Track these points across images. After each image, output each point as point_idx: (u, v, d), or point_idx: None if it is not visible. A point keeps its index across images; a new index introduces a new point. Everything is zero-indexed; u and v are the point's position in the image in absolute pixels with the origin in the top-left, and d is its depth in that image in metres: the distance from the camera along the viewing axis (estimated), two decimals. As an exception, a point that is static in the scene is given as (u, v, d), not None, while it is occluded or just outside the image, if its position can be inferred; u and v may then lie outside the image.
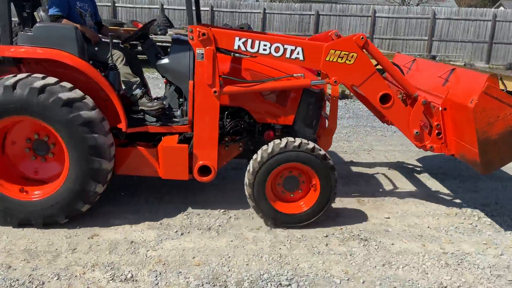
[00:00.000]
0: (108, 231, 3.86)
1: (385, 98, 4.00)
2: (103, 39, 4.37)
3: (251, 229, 4.00)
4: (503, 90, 3.85)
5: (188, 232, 3.90)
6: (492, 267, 3.52)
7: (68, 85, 3.73)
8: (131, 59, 4.45)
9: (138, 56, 4.95)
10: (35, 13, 4.43)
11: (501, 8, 27.70)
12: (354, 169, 5.70)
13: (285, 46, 3.83)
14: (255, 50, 3.85)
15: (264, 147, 3.96)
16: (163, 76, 4.40)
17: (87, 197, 3.83)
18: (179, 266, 3.40)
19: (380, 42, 19.49)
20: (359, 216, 4.33)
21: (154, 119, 4.22)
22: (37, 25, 3.99)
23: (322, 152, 3.91)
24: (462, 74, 4.22)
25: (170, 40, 4.66)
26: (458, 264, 3.55)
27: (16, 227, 3.86)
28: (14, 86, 3.59)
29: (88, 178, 3.77)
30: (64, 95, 3.63)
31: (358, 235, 3.95)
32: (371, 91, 4.00)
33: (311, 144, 3.90)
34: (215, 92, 3.84)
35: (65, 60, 3.79)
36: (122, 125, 3.99)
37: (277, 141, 3.95)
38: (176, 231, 3.90)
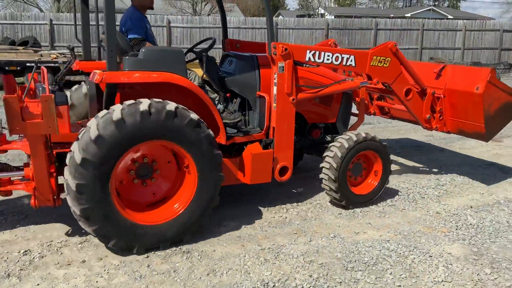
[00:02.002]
0: None
1: (407, 92, 5.09)
2: None
3: (60, 266, 3.54)
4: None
5: (-20, 286, 3.25)
6: (304, 254, 3.80)
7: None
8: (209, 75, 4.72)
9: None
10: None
11: (280, 17, 30.94)
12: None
13: (342, 55, 4.62)
14: (321, 60, 4.52)
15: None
16: (225, 91, 4.84)
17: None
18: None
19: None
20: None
21: (235, 130, 4.50)
22: (143, 50, 3.91)
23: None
24: (454, 70, 5.42)
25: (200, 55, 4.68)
26: (276, 258, 3.74)
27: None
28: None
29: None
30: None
31: (180, 248, 3.84)
32: (399, 87, 5.05)
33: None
34: (293, 99, 4.38)
35: (179, 82, 3.86)
36: (222, 139, 4.19)
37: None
38: (-37, 288, 3.21)
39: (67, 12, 20.90)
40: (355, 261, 3.72)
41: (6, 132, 3.98)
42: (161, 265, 3.59)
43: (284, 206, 4.83)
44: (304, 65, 4.69)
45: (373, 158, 4.85)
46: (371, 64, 4.78)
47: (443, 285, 3.41)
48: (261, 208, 4.76)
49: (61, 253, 3.73)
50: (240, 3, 45.26)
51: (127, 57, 3.92)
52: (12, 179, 3.95)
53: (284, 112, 4.40)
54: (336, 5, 58.86)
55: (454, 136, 7.91)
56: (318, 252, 3.86)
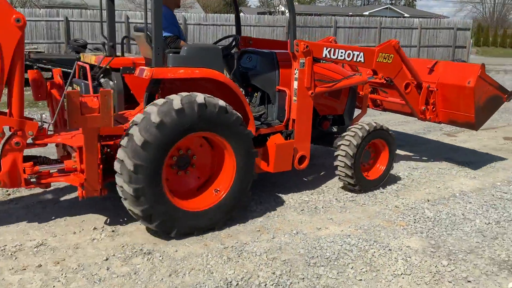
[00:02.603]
0: None
1: (407, 86, 5.56)
2: None
3: (15, 272, 3.39)
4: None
5: None
6: (267, 252, 3.80)
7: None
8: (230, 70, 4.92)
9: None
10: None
11: (241, 14, 30.86)
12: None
13: (354, 52, 5.01)
14: (335, 57, 4.90)
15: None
16: (246, 85, 5.21)
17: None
18: None
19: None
20: (140, 229, 4.14)
21: (259, 122, 4.83)
22: (185, 47, 4.17)
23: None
24: (446, 66, 5.93)
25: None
26: (239, 256, 3.72)
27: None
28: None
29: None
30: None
31: (141, 249, 3.77)
32: (400, 81, 5.49)
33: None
34: (312, 93, 4.74)
35: (219, 78, 4.17)
36: (252, 131, 4.38)
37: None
38: None
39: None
40: (317, 256, 3.75)
41: (45, 126, 4.17)
42: (121, 267, 3.50)
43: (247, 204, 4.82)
44: (321, 61, 5.12)
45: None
46: (377, 60, 5.20)
47: (403, 277, 3.49)
48: (224, 206, 4.73)
49: (16, 258, 3.58)
50: (200, 0, 44.86)
51: (170, 54, 4.12)
52: (50, 171, 4.13)
53: (304, 105, 4.77)
54: (296, 3, 59.38)
55: (411, 131, 8.11)
56: (281, 249, 3.87)
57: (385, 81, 5.47)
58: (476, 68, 5.58)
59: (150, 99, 4.14)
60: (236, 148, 4.10)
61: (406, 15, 44.64)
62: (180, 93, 3.85)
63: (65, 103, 3.58)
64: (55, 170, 4.14)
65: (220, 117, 3.90)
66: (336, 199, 5.00)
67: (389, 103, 6.46)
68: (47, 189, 4.68)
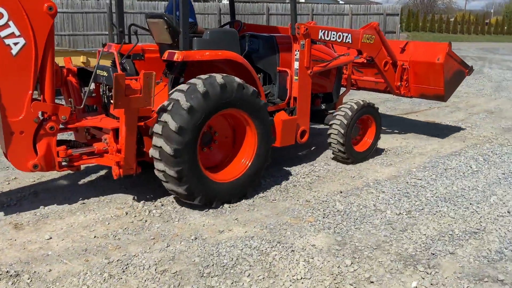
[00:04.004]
0: None
1: (385, 64, 6.15)
2: None
3: None
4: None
5: None
6: (157, 264, 3.40)
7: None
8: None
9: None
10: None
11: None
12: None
13: (343, 34, 5.48)
14: (329, 38, 5.33)
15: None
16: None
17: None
18: None
19: (60, 39, 18.22)
20: (15, 245, 3.61)
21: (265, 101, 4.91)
22: (208, 31, 4.60)
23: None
24: (416, 45, 6.53)
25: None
26: (123, 272, 3.29)
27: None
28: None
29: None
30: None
31: (7, 271, 3.25)
32: (380, 60, 6.07)
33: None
34: (310, 72, 5.16)
35: (237, 59, 4.59)
36: None
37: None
38: None
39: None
40: (213, 265, 3.40)
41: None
42: (-23, 296, 2.98)
43: (147, 207, 4.38)
44: (317, 43, 5.56)
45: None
46: (362, 41, 5.74)
47: (302, 282, 3.21)
48: (119, 212, 4.28)
49: None
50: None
51: (195, 38, 4.52)
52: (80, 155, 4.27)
53: (304, 83, 5.22)
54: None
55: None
56: (174, 259, 3.48)
57: (366, 61, 6.04)
58: (444, 46, 6.19)
59: (176, 82, 4.56)
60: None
61: (341, 2, 45.21)
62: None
63: (104, 86, 4.50)
64: (85, 153, 4.29)
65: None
66: (246, 197, 4.67)
67: (364, 82, 6.94)
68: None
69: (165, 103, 4.03)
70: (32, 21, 3.74)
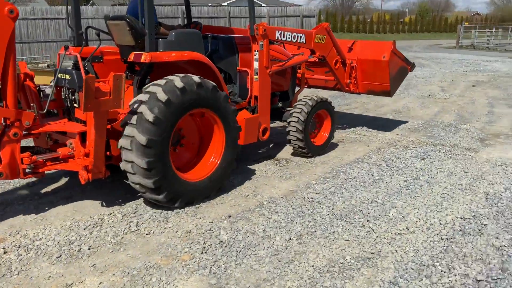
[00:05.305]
0: None
1: (336, 63, 6.39)
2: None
3: None
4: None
5: None
6: None
7: None
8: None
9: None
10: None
11: (94, 6, 28.09)
12: None
13: (298, 34, 5.75)
14: (285, 38, 5.61)
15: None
16: None
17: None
18: None
19: None
20: None
21: None
22: (173, 32, 4.70)
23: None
24: (363, 44, 6.78)
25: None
26: None
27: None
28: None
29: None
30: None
31: None
32: (331, 59, 6.29)
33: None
34: (270, 72, 5.43)
35: (203, 60, 4.75)
36: None
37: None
38: None
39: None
40: (44, 337, 2.65)
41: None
42: None
43: (-16, 257, 3.52)
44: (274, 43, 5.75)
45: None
46: (315, 41, 5.98)
47: None
48: None
49: None
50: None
51: (160, 39, 4.60)
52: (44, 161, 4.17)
53: (264, 82, 5.41)
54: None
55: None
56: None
57: (318, 60, 6.21)
58: (389, 45, 6.47)
59: (142, 83, 4.61)
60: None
61: (263, 4, 45.24)
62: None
63: (67, 90, 4.47)
64: (49, 159, 4.20)
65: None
66: (113, 232, 3.94)
67: (314, 80, 7.10)
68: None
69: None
70: None
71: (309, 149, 5.90)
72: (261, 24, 5.34)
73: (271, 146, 6.66)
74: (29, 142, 4.96)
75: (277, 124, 7.65)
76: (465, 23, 36.26)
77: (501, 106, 9.91)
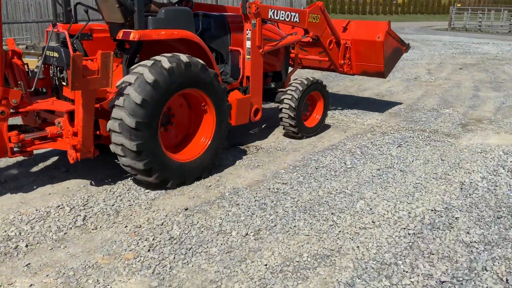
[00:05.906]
0: None
1: (330, 43, 6.30)
2: None
3: None
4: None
5: None
6: None
7: None
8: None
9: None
10: None
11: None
12: None
13: (291, 13, 5.64)
14: (278, 17, 5.47)
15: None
16: None
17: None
18: None
19: None
20: None
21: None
22: (163, 10, 4.52)
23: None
24: (357, 24, 6.64)
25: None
26: None
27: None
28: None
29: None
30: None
31: None
32: (325, 39, 6.20)
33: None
34: (262, 51, 5.27)
35: (194, 39, 4.59)
36: None
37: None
38: None
39: None
40: None
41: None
42: None
43: None
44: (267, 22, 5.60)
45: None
46: (309, 20, 5.83)
47: None
48: None
49: None
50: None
51: (149, 17, 4.41)
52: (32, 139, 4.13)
53: (256, 62, 5.27)
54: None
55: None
56: None
57: (312, 40, 6.03)
58: (384, 25, 6.35)
59: (131, 61, 4.49)
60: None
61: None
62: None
63: (55, 68, 4.32)
64: (37, 138, 4.15)
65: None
66: (57, 226, 3.65)
67: (308, 61, 6.98)
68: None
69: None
70: None
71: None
72: (254, 2, 5.10)
73: (243, 133, 6.36)
74: (17, 120, 4.70)
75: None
76: (458, 5, 35.77)
77: (486, 89, 9.64)
